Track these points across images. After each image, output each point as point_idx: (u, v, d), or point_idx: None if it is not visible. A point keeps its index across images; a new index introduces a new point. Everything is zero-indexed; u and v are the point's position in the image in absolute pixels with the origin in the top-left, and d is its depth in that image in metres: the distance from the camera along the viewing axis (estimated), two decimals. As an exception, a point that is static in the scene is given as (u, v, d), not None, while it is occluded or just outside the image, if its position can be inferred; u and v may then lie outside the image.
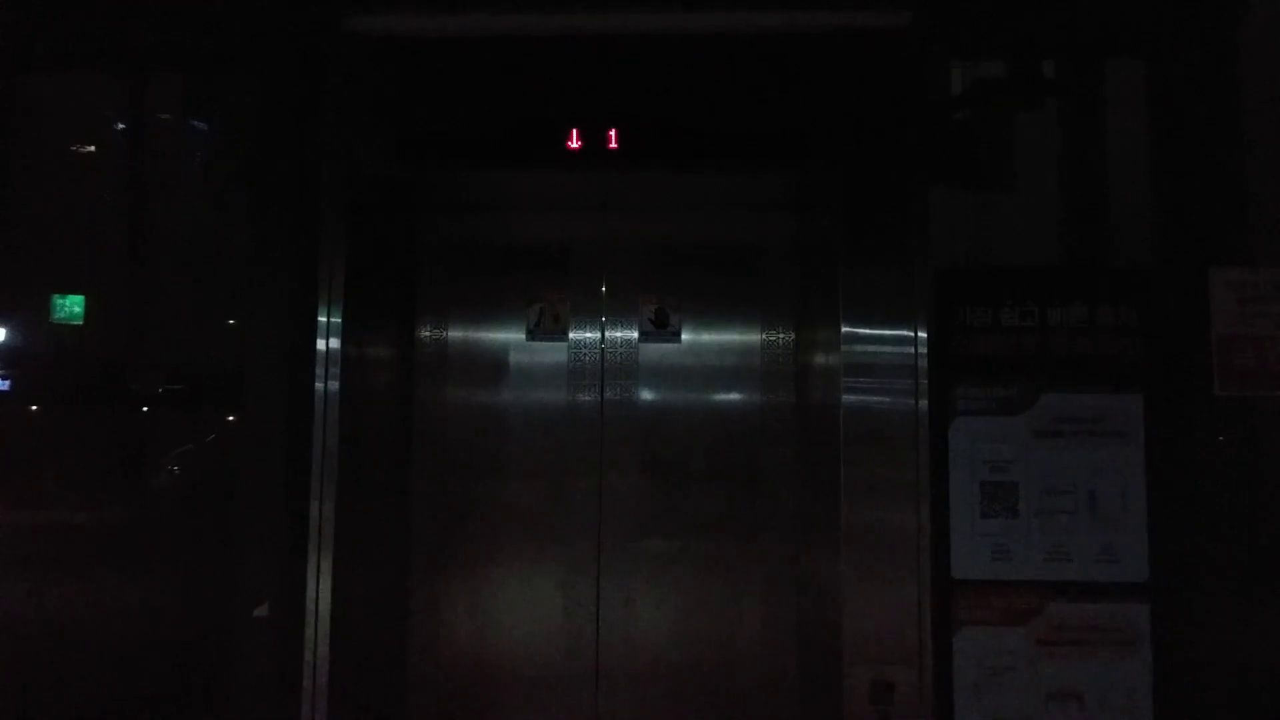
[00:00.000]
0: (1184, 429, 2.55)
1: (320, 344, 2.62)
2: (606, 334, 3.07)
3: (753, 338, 3.04)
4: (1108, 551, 2.50)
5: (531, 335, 3.07)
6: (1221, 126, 2.63)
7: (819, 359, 2.80)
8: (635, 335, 3.06)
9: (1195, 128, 2.64)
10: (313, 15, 2.68)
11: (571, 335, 3.06)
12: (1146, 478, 2.50)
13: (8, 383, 3.54)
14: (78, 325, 3.31)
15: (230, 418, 2.99)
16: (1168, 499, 2.51)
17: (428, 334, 3.10)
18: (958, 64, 2.88)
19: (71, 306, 3.33)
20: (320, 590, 2.57)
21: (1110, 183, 2.88)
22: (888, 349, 2.52)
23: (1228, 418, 2.55)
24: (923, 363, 2.51)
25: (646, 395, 3.04)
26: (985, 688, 2.48)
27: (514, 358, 3.08)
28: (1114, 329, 2.55)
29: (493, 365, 3.08)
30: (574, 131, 2.65)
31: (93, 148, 3.38)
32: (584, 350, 3.06)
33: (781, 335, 3.02)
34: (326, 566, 2.57)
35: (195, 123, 3.08)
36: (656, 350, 3.05)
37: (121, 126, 3.20)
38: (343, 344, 2.62)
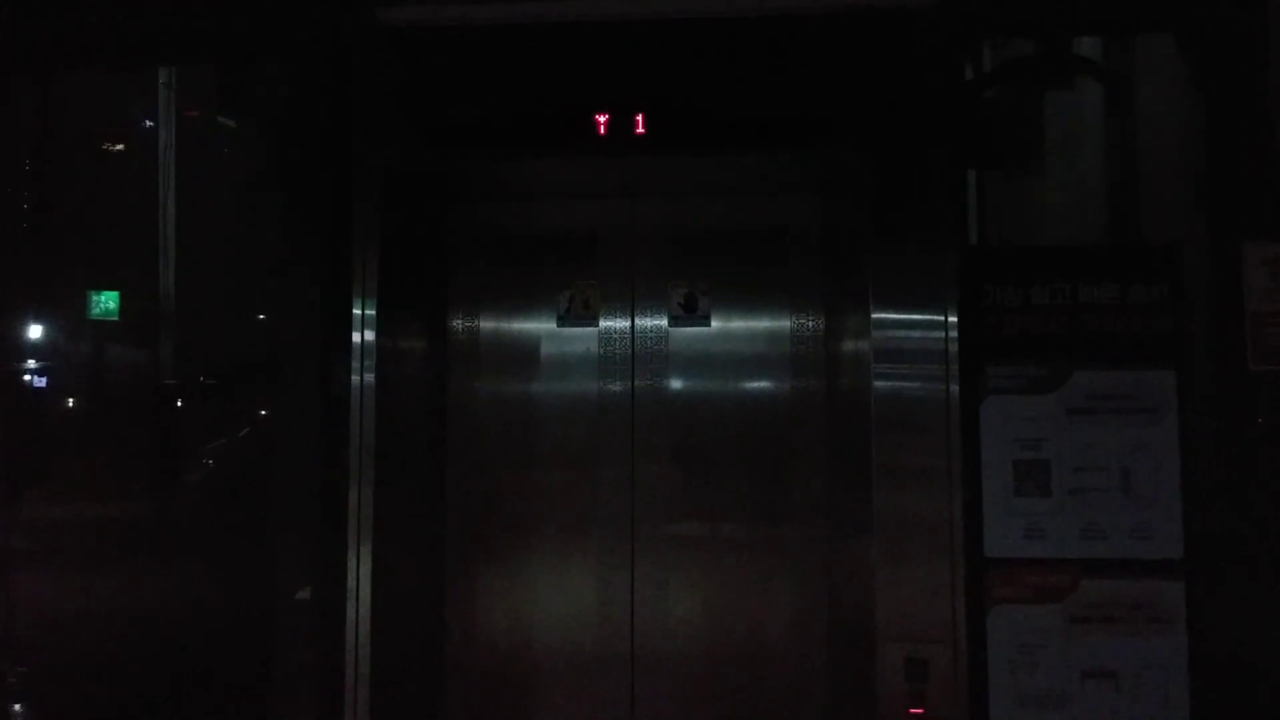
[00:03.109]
0: (1217, 405, 2.55)
1: (355, 336, 2.65)
2: (636, 320, 3.09)
3: (782, 323, 3.04)
4: (1141, 528, 2.49)
5: (562, 322, 3.09)
6: (1253, 100, 2.60)
7: (848, 343, 2.80)
8: (665, 321, 3.07)
9: (1226, 102, 2.62)
10: (343, 7, 2.70)
11: (602, 322, 3.08)
12: (1180, 454, 2.49)
13: (45, 378, 3.61)
14: (114, 321, 3.37)
15: (268, 410, 3.04)
16: (1202, 475, 2.51)
17: (459, 323, 3.13)
18: (986, 43, 2.87)
19: (107, 303, 3.38)
20: (361, 577, 2.61)
21: (1141, 159, 2.86)
22: (918, 333, 2.52)
23: (1262, 393, 2.54)
24: (953, 346, 2.50)
25: (677, 381, 3.06)
26: (1019, 665, 2.49)
27: (545, 345, 3.10)
28: (1146, 306, 2.53)
29: (524, 353, 3.10)
30: (602, 117, 2.66)
31: (124, 145, 3.42)
32: (614, 336, 3.08)
33: (811, 320, 3.03)
34: (366, 554, 2.62)
35: (227, 118, 3.12)
36: (686, 335, 3.07)
37: (151, 123, 3.24)
38: (377, 336, 2.66)
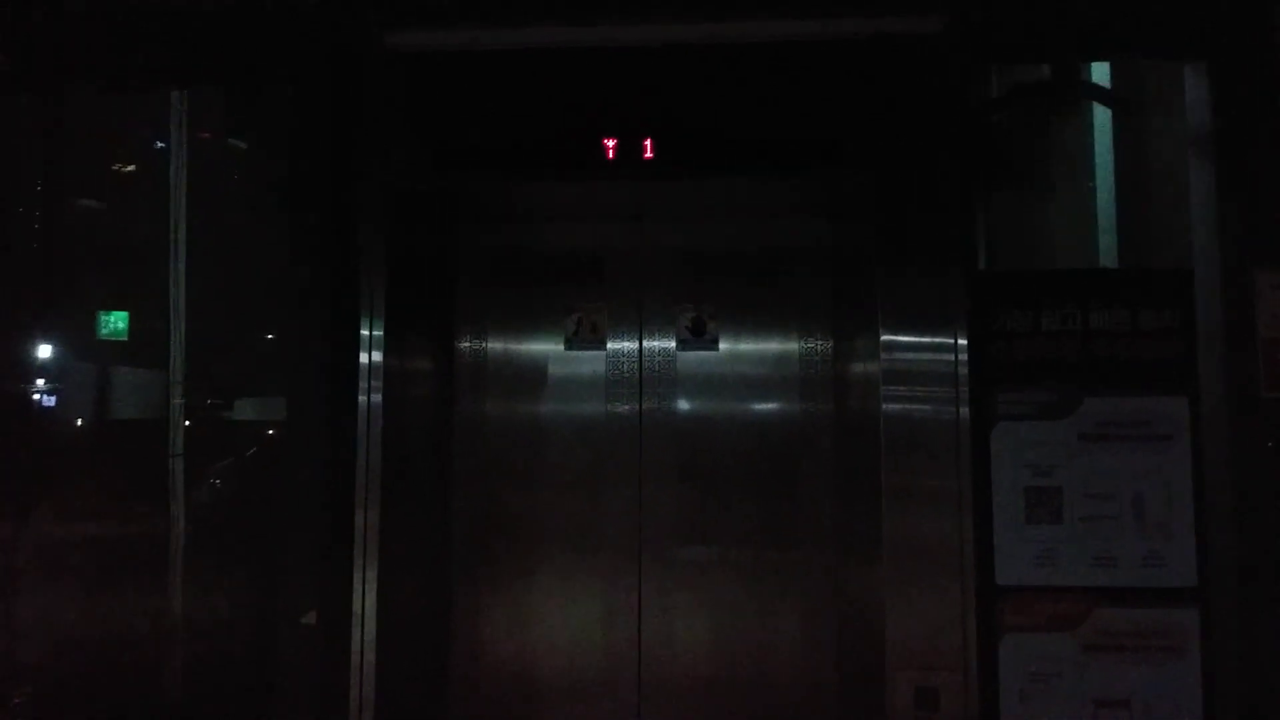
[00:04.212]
0: (1231, 432, 2.52)
1: (363, 357, 2.65)
2: (644, 342, 3.08)
3: (790, 346, 3.04)
4: (1154, 556, 2.47)
5: (570, 345, 3.09)
6: (1264, 127, 2.60)
7: (857, 367, 2.79)
8: (673, 344, 3.07)
9: (1237, 128, 2.61)
10: (352, 31, 2.71)
11: (609, 345, 3.08)
12: (1193, 481, 2.47)
13: (54, 398, 3.62)
14: (122, 341, 3.38)
15: (275, 432, 3.04)
16: (1215, 502, 2.48)
17: (467, 345, 3.13)
18: (994, 68, 2.87)
19: (116, 323, 3.39)
20: (366, 600, 2.59)
21: (1152, 185, 2.85)
22: (927, 356, 2.51)
23: (1274, 419, 2.52)
24: (963, 370, 2.49)
25: (685, 404, 3.05)
26: (1031, 694, 2.46)
27: (552, 367, 3.10)
28: (1158, 332, 2.52)
29: (532, 375, 3.10)
30: (609, 141, 2.67)
31: (134, 166, 3.45)
32: (622, 359, 3.08)
33: (819, 343, 3.02)
34: (372, 576, 2.60)
35: (237, 140, 3.13)
36: (694, 359, 3.06)
37: (162, 144, 3.25)
38: (385, 357, 2.65)
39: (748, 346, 3.06)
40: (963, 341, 2.51)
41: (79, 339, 3.48)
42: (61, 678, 3.01)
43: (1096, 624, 2.47)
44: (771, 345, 3.05)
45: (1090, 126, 2.97)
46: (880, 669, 2.47)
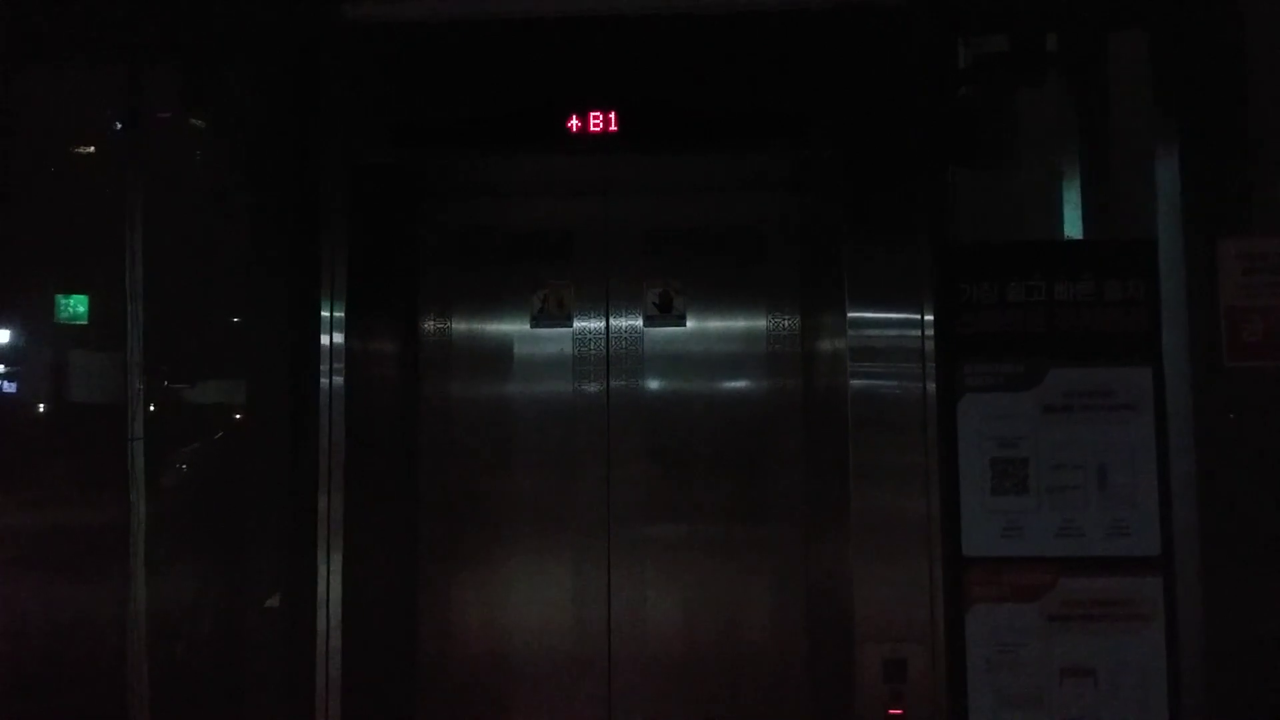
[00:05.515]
0: (1194, 401, 2.54)
1: (324, 339, 2.61)
2: (611, 320, 3.05)
3: (758, 322, 3.02)
4: (1119, 525, 2.48)
5: (536, 323, 3.05)
6: (1227, 96, 2.60)
7: (825, 342, 2.79)
8: (640, 321, 3.04)
9: (1201, 98, 2.61)
10: (309, 4, 2.66)
11: (576, 322, 3.05)
12: (1157, 450, 2.48)
13: (14, 384, 3.55)
14: (82, 325, 3.31)
15: (237, 415, 3.00)
16: (1179, 472, 2.50)
17: (431, 324, 3.09)
18: (961, 39, 2.86)
19: (75, 306, 3.33)
20: (331, 583, 2.57)
21: (1116, 155, 2.86)
22: (894, 331, 2.51)
23: (1238, 389, 2.54)
24: (930, 344, 2.49)
25: (652, 381, 3.03)
26: (998, 664, 2.48)
27: (518, 346, 3.07)
28: (1122, 302, 2.52)
29: (497, 354, 3.07)
30: (573, 114, 2.63)
31: (90, 144, 3.37)
32: (589, 336, 3.05)
33: (787, 319, 3.00)
34: (337, 560, 2.58)
35: (193, 117, 3.07)
36: (661, 335, 3.04)
37: (120, 125, 3.18)
38: (346, 338, 2.62)
39: (715, 323, 3.04)
40: (929, 316, 2.51)
41: (38, 323, 3.41)
42: (18, 666, 2.97)
43: (1062, 594, 2.48)
44: (739, 322, 3.03)
45: (1057, 98, 2.97)
46: (849, 641, 2.48)
